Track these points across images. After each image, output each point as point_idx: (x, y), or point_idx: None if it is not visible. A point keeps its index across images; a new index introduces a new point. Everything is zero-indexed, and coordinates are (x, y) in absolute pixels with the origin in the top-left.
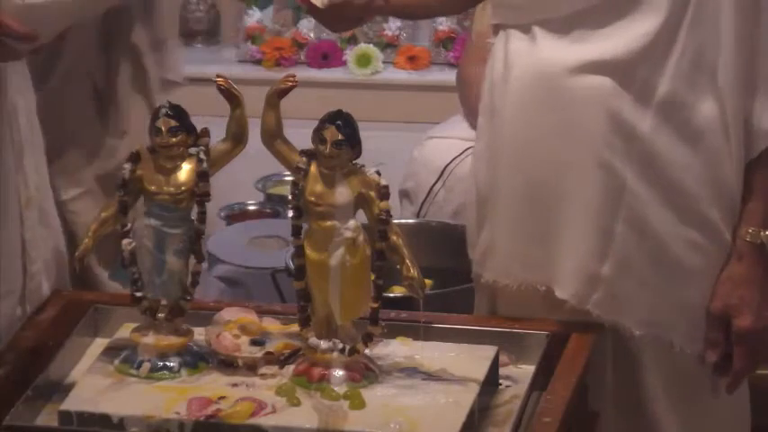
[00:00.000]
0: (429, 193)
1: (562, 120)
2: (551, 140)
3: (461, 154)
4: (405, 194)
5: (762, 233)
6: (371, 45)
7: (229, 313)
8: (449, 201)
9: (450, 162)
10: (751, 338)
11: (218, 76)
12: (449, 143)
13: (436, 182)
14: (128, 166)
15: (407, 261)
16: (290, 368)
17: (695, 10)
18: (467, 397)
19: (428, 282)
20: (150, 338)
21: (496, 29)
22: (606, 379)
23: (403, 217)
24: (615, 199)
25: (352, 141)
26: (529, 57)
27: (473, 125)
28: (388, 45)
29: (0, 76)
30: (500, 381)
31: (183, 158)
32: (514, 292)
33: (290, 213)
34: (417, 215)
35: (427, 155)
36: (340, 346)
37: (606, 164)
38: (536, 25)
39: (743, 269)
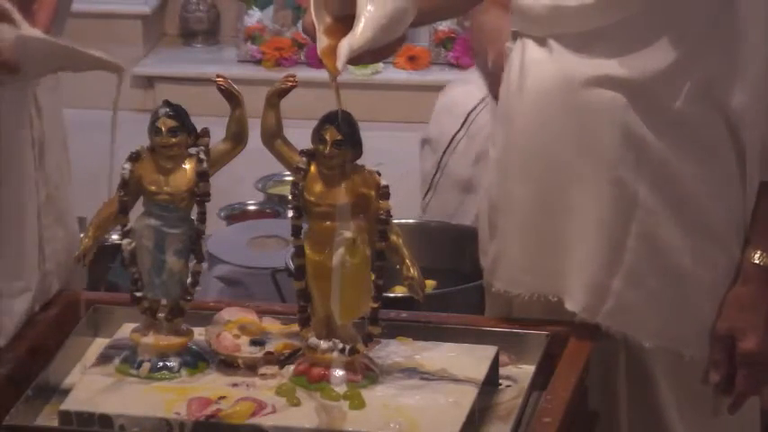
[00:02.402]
0: (451, 141)
1: (575, 131)
2: (563, 151)
3: (482, 101)
4: (427, 142)
5: None
6: None
7: (229, 313)
8: (470, 149)
9: (474, 109)
10: (755, 362)
11: (218, 76)
12: (471, 89)
13: (459, 129)
14: (128, 166)
15: (407, 261)
16: (290, 368)
17: (713, 39)
18: (467, 397)
19: (431, 282)
20: (150, 338)
21: (514, 35)
22: (618, 385)
23: (423, 168)
24: (627, 212)
25: (352, 141)
26: (544, 67)
27: (484, 76)
28: None
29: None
30: (500, 381)
31: (183, 158)
32: (527, 303)
33: (290, 213)
34: (438, 164)
35: (450, 101)
36: (340, 346)
37: (618, 177)
38: (552, 38)
39: (750, 292)
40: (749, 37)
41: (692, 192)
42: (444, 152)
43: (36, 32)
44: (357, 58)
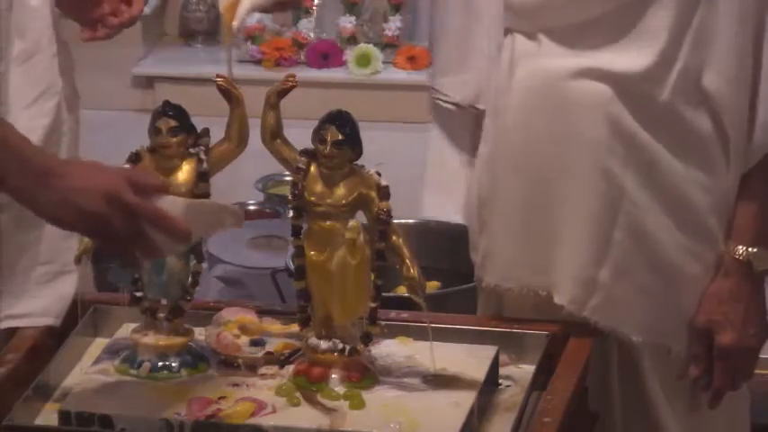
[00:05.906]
0: None
1: (562, 123)
2: (552, 144)
3: None
4: None
5: (750, 251)
6: (371, 45)
7: (229, 313)
8: None
9: None
10: (732, 356)
11: (218, 76)
12: None
13: None
14: (128, 166)
15: (407, 261)
16: (290, 368)
17: (696, 32)
18: (467, 397)
19: (435, 284)
20: (150, 338)
21: (505, 32)
22: (612, 384)
23: None
24: (614, 205)
25: (352, 141)
26: (532, 61)
27: None
28: (387, 45)
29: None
30: (500, 381)
31: (182, 158)
32: (518, 297)
33: (290, 213)
34: None
35: None
36: (340, 346)
37: (606, 170)
38: (541, 33)
39: (729, 285)
40: (725, 31)
41: (679, 184)
42: None
43: (190, 199)
44: (263, 10)
